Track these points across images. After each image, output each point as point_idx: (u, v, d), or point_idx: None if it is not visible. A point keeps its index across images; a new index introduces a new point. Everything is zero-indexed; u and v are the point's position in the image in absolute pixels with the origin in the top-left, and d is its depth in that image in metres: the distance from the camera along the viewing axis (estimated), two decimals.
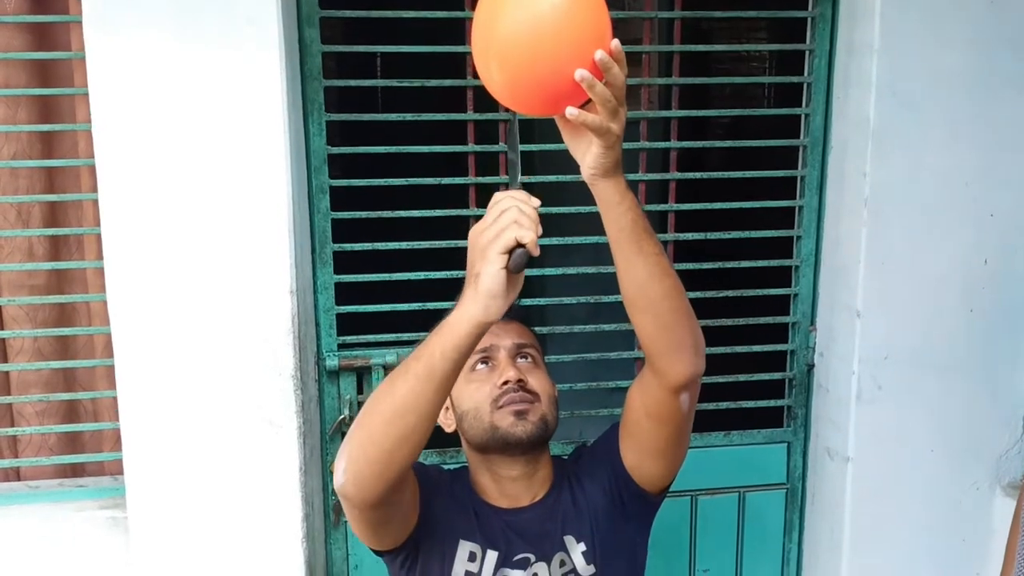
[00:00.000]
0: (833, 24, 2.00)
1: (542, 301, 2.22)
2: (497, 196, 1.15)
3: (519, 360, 1.48)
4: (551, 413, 1.47)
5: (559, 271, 2.05)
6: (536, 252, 1.11)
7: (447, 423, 1.52)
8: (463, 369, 1.43)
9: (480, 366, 1.47)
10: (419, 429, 1.20)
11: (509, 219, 1.11)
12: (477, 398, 1.45)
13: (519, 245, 1.10)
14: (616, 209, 1.24)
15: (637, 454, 1.46)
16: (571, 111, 1.12)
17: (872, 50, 1.87)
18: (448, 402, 1.51)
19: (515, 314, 1.51)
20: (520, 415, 1.42)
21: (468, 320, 1.14)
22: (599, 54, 1.10)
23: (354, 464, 1.23)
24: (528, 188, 1.22)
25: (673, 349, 1.33)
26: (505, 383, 1.43)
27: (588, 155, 1.20)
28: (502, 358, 1.46)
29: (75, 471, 2.02)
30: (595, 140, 1.17)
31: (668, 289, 1.29)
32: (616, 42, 1.11)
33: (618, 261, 1.29)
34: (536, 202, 1.14)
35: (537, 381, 1.46)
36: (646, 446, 1.45)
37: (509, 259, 1.11)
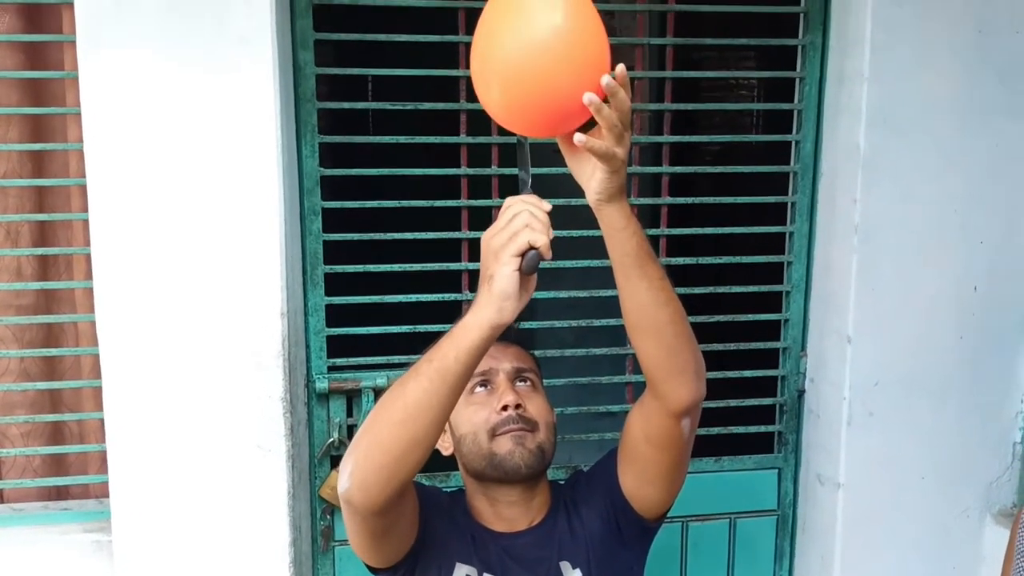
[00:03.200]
0: (823, 52, 2.01)
1: (532, 325, 2.22)
2: (509, 201, 1.17)
3: (518, 384, 1.47)
4: (548, 441, 1.46)
5: (549, 295, 2.05)
6: (548, 255, 1.13)
7: (444, 447, 1.51)
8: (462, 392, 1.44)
9: (479, 389, 1.47)
10: (429, 434, 1.20)
11: (521, 223, 1.13)
12: (476, 422, 1.44)
13: (531, 248, 1.12)
14: (621, 234, 1.24)
15: (636, 480, 1.46)
16: (579, 137, 1.13)
17: (862, 78, 1.88)
18: (447, 425, 1.50)
19: (515, 338, 1.52)
20: (518, 441, 1.42)
21: (482, 322, 1.15)
22: (606, 79, 1.11)
23: (360, 470, 1.23)
24: None
25: (676, 374, 1.33)
26: (504, 408, 1.43)
27: (593, 180, 1.21)
28: (501, 381, 1.46)
29: (60, 494, 1.99)
30: (599, 165, 1.18)
31: (672, 314, 1.29)
32: (621, 67, 1.13)
33: (622, 286, 1.29)
34: (547, 206, 1.16)
35: (535, 407, 1.46)
36: (645, 472, 1.44)
37: (522, 262, 1.12)
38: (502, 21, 1.15)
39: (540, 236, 1.12)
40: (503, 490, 1.46)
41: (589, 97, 1.11)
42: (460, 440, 1.47)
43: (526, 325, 2.20)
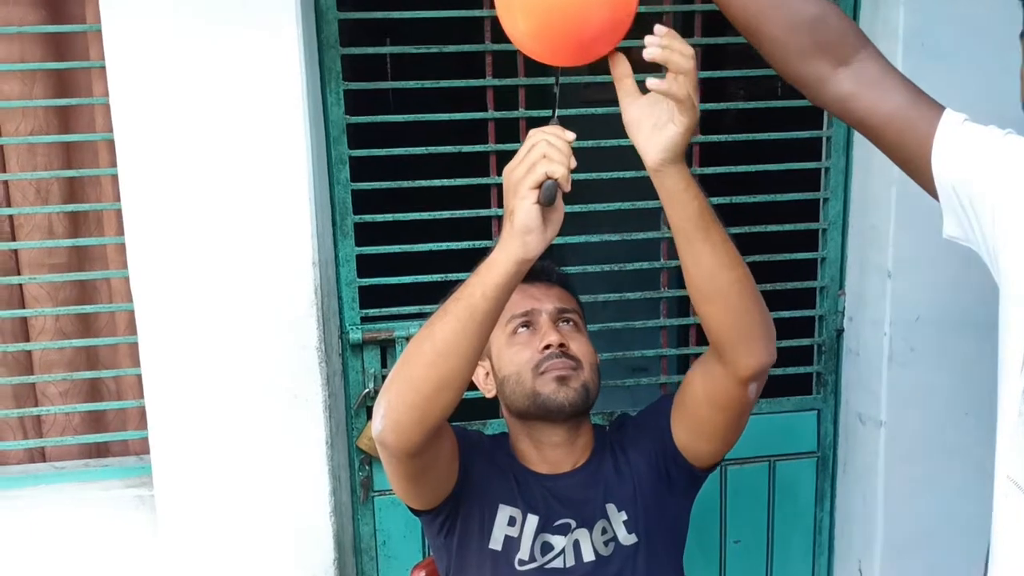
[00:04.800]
0: None
1: (568, 270, 2.21)
2: (531, 132, 1.14)
3: (561, 324, 1.46)
4: (593, 380, 1.44)
5: (580, 239, 2.03)
6: (567, 187, 1.10)
7: (487, 388, 1.50)
8: (504, 333, 1.43)
9: (522, 330, 1.45)
10: (460, 373, 1.19)
11: (539, 154, 1.10)
12: (519, 362, 1.42)
13: (549, 178, 1.09)
14: (683, 196, 1.21)
15: (690, 434, 1.43)
16: (653, 83, 1.11)
17: (898, 2, 1.83)
18: (488, 367, 1.49)
19: (557, 279, 1.51)
20: (562, 381, 1.40)
21: (508, 258, 1.13)
22: (653, 37, 1.11)
23: (393, 411, 1.22)
24: None
25: (743, 340, 1.30)
26: (547, 347, 1.41)
27: (663, 137, 1.17)
28: (544, 322, 1.44)
29: (100, 451, 2.01)
30: (677, 117, 1.15)
31: (738, 277, 1.26)
32: (659, 27, 1.13)
33: (684, 251, 1.25)
34: (570, 135, 1.12)
35: (579, 346, 1.44)
36: (701, 429, 1.42)
37: (540, 193, 1.10)
38: None
39: (558, 167, 1.09)
40: (547, 430, 1.45)
41: (651, 52, 1.11)
42: (503, 381, 1.45)
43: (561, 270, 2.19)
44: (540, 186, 1.10)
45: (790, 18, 1.20)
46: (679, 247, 1.26)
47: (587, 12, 1.11)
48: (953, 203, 1.19)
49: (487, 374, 1.51)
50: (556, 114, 1.20)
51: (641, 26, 1.19)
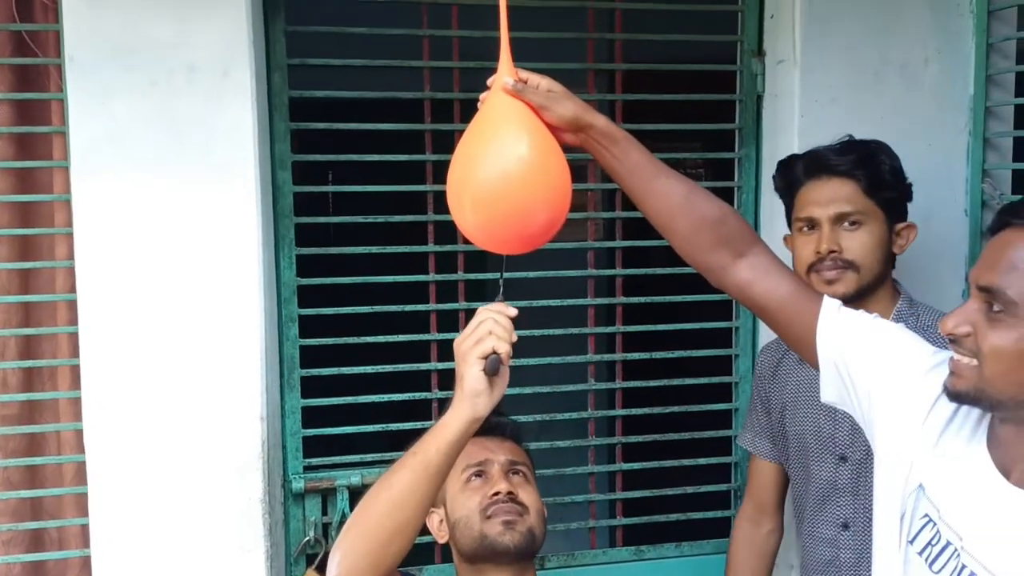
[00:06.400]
0: (758, 165, 2.21)
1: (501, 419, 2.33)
2: (479, 310, 1.31)
3: (511, 475, 1.60)
4: (539, 527, 1.58)
5: (513, 391, 2.16)
6: (508, 361, 1.27)
7: (441, 535, 1.62)
8: (459, 481, 1.57)
9: (475, 479, 1.59)
10: (412, 522, 1.31)
11: (486, 329, 1.27)
12: (469, 507, 1.56)
13: (494, 352, 1.26)
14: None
15: None
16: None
17: None
18: (443, 514, 1.62)
19: (510, 433, 1.67)
20: (508, 525, 1.53)
21: (460, 418, 1.28)
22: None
23: (348, 558, 1.32)
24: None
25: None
26: (496, 494, 1.55)
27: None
28: (496, 472, 1.59)
29: None
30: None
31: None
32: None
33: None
34: (512, 311, 1.30)
35: (527, 495, 1.59)
36: None
37: (486, 364, 1.26)
38: (474, 154, 1.31)
39: (502, 343, 1.26)
40: (494, 573, 1.56)
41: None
42: (455, 525, 1.58)
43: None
44: (486, 357, 1.26)
45: (696, 218, 1.43)
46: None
47: (530, 212, 1.30)
48: (833, 375, 1.40)
49: (441, 521, 1.64)
50: (502, 292, 1.37)
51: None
